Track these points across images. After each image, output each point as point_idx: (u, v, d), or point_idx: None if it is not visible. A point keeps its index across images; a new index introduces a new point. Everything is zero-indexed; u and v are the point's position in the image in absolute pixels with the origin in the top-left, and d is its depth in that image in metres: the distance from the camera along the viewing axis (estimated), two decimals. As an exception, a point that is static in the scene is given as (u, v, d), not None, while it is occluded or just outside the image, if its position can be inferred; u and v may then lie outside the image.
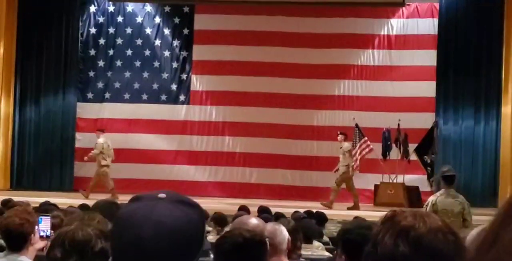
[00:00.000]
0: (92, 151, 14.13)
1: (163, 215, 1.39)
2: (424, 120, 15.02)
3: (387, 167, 14.52)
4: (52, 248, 2.39)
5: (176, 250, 1.39)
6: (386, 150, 14.56)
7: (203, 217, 1.47)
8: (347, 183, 13.80)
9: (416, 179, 14.63)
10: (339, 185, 13.79)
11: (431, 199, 7.45)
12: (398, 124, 14.50)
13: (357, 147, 14.41)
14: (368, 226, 3.12)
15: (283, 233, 3.48)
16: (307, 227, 5.48)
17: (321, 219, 8.15)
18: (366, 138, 14.40)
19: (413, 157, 14.47)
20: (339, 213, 11.53)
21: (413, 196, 14.14)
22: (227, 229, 6.77)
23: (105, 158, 14.06)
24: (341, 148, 13.90)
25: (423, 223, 1.42)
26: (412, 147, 14.45)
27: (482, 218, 8.05)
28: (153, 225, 1.38)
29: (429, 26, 15.68)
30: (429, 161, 14.33)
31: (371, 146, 14.32)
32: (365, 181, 15.13)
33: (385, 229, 1.45)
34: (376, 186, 14.64)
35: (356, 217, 8.64)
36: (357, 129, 14.59)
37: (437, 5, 15.56)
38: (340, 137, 13.96)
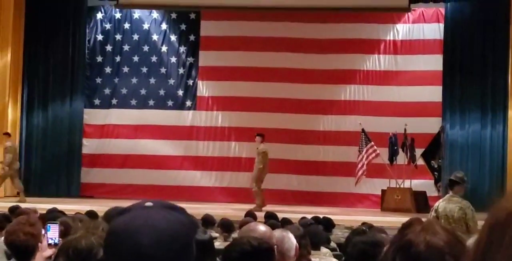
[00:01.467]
0: (7, 156, 13.90)
1: (158, 221, 1.40)
2: (430, 125, 15.01)
3: (394, 172, 14.50)
4: (57, 256, 2.41)
5: (175, 254, 1.40)
6: (392, 155, 14.54)
7: (190, 219, 1.48)
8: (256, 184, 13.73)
9: (423, 184, 14.60)
10: (259, 187, 13.76)
11: (435, 204, 7.48)
12: (405, 129, 14.49)
13: (363, 152, 14.41)
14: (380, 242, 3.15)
15: (291, 240, 3.48)
16: (314, 233, 5.46)
17: (329, 225, 8.14)
18: (372, 143, 14.40)
19: (420, 162, 14.46)
20: (346, 219, 11.51)
21: (421, 201, 14.11)
22: (234, 235, 6.79)
23: (13, 161, 13.94)
24: (257, 148, 13.83)
25: (425, 241, 1.41)
26: (419, 152, 14.44)
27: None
28: (151, 231, 1.38)
29: (434, 31, 15.67)
30: (436, 166, 14.32)
31: (377, 151, 14.32)
32: (372, 186, 15.13)
33: (395, 239, 1.46)
34: (383, 191, 14.62)
35: (364, 223, 8.63)
36: (363, 134, 14.58)
37: (442, 10, 15.56)
38: (257, 138, 13.92)
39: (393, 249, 1.42)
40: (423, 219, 1.53)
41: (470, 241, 2.47)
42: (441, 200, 7.55)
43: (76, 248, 2.36)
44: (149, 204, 1.45)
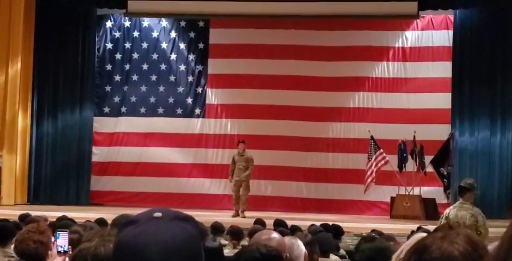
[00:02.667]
0: None
1: (166, 234, 1.40)
2: (440, 132, 14.98)
3: (403, 179, 14.46)
4: (73, 264, 2.42)
5: None
6: (402, 162, 14.50)
7: (199, 230, 1.48)
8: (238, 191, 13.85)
9: (433, 191, 14.56)
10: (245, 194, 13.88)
11: (445, 211, 7.46)
12: (414, 136, 14.46)
13: (372, 159, 14.39)
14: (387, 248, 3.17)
15: (300, 247, 3.48)
16: (323, 241, 5.47)
17: (338, 232, 8.13)
18: (381, 150, 14.38)
19: (429, 169, 14.41)
20: (356, 226, 11.49)
21: (430, 208, 14.07)
22: (243, 242, 6.79)
23: None
24: (243, 155, 13.88)
25: (439, 248, 1.41)
26: (428, 159, 14.40)
27: (499, 230, 7.99)
28: (158, 246, 1.38)
29: (443, 38, 15.66)
30: (445, 173, 14.27)
31: (386, 158, 14.30)
32: (381, 194, 15.11)
33: (418, 241, 1.46)
34: (392, 198, 14.58)
35: (373, 230, 8.62)
36: (372, 141, 14.56)
37: (451, 17, 15.54)
38: (241, 145, 13.99)
39: (409, 250, 1.43)
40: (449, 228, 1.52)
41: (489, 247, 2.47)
42: (451, 207, 7.52)
43: (96, 256, 2.37)
44: (158, 214, 1.43)
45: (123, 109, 16.39)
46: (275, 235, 3.19)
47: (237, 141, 14.48)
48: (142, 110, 16.35)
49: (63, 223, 6.12)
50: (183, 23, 16.46)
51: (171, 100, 16.34)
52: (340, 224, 8.84)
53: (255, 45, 16.06)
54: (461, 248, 1.41)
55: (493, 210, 13.01)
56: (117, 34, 16.58)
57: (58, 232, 3.91)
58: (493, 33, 14.99)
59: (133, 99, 16.39)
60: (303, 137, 15.76)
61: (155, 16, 16.27)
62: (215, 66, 16.30)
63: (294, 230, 7.29)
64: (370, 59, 15.82)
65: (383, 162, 14.31)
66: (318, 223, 8.73)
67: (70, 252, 3.87)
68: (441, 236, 1.43)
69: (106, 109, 16.42)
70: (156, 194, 15.66)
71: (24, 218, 7.54)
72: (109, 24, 16.62)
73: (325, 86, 15.80)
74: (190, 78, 16.40)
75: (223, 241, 7.10)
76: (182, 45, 16.45)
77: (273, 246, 2.86)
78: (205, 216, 10.34)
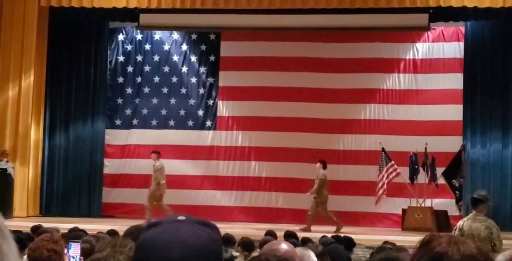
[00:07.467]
0: None
1: (188, 235, 1.41)
2: (451, 144, 14.93)
3: (414, 191, 14.42)
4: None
5: None
6: (413, 174, 14.47)
7: (221, 237, 1.49)
8: (157, 200, 14.07)
9: (445, 203, 14.50)
10: (151, 204, 14.05)
11: (459, 223, 7.41)
12: (425, 148, 14.43)
13: (384, 171, 14.35)
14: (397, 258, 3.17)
15: (311, 258, 3.49)
16: (335, 252, 5.46)
17: (349, 244, 8.11)
18: (393, 162, 14.34)
19: (441, 181, 14.37)
20: (367, 238, 11.45)
21: (442, 220, 14.01)
22: (254, 254, 6.78)
23: None
24: (154, 165, 14.19)
25: (457, 250, 1.41)
26: (439, 170, 14.36)
27: (512, 243, 7.96)
28: (180, 246, 1.39)
29: (455, 49, 15.66)
30: (457, 185, 14.22)
31: (398, 170, 14.26)
32: (393, 205, 15.06)
33: (420, 254, 1.46)
34: (403, 210, 14.53)
35: (386, 242, 8.59)
36: (383, 153, 14.54)
37: (462, 28, 15.55)
38: (152, 155, 14.32)
39: (417, 249, 1.44)
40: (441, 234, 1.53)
41: (500, 259, 2.48)
42: (465, 218, 7.47)
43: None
44: (181, 218, 1.46)
45: (135, 122, 16.46)
46: (284, 245, 3.20)
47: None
48: (154, 122, 16.41)
49: (75, 234, 6.14)
50: (194, 36, 16.55)
51: (182, 112, 16.39)
52: (352, 236, 8.82)
53: (266, 57, 16.11)
54: (475, 246, 1.43)
55: (506, 222, 12.94)
56: (129, 47, 16.69)
57: (70, 243, 3.95)
58: (504, 45, 14.97)
59: (145, 111, 16.46)
60: (314, 149, 15.74)
61: (166, 29, 16.36)
62: (226, 78, 16.36)
63: (305, 242, 7.27)
64: (381, 71, 15.83)
65: (394, 174, 14.27)
66: (329, 235, 8.72)
67: (82, 263, 3.90)
68: (448, 241, 1.45)
69: (118, 122, 16.49)
70: (167, 206, 15.65)
71: (36, 230, 7.57)
72: (121, 37, 16.74)
73: (336, 98, 15.80)
74: (201, 91, 16.46)
75: (235, 253, 7.10)
76: (193, 58, 16.53)
77: (283, 256, 2.87)
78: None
